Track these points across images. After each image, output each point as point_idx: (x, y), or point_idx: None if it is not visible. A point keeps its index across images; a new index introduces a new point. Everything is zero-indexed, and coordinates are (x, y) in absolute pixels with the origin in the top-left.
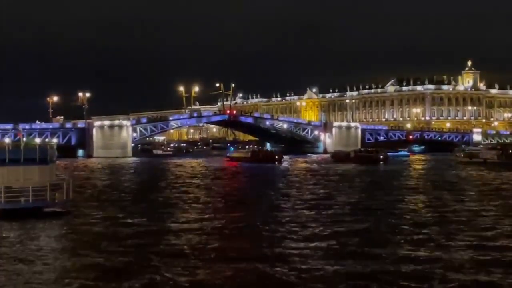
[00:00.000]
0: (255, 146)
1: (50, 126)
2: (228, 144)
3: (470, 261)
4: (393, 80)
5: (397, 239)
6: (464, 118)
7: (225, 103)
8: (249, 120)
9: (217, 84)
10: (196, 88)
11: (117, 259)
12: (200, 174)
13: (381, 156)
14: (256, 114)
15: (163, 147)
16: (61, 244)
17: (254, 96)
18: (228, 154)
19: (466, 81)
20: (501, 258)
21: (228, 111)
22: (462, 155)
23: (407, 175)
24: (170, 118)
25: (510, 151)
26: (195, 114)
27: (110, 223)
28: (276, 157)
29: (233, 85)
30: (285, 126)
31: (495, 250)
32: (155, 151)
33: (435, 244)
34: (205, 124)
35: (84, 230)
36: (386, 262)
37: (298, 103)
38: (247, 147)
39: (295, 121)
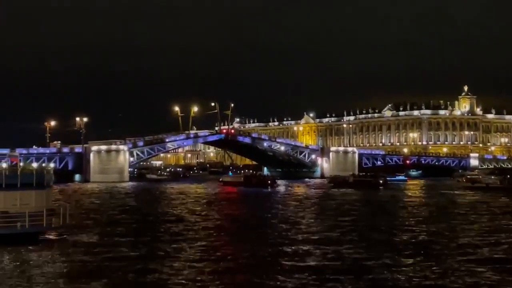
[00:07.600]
0: (251, 171)
1: (47, 151)
2: (230, 168)
3: None
4: (390, 105)
5: None
6: (461, 143)
7: (223, 127)
8: (247, 140)
9: (213, 104)
10: (195, 108)
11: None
12: (190, 200)
13: (381, 181)
14: (254, 135)
15: (159, 171)
16: (56, 270)
17: (252, 121)
18: (221, 179)
19: (462, 106)
20: None
21: (225, 131)
22: (464, 180)
23: (420, 201)
24: (167, 140)
25: None
26: (192, 135)
27: (106, 249)
28: (269, 181)
29: (232, 105)
30: (282, 148)
31: None
32: (148, 176)
33: None
34: (202, 148)
35: (79, 256)
36: None
37: (295, 128)
38: (243, 171)
39: (293, 143)
